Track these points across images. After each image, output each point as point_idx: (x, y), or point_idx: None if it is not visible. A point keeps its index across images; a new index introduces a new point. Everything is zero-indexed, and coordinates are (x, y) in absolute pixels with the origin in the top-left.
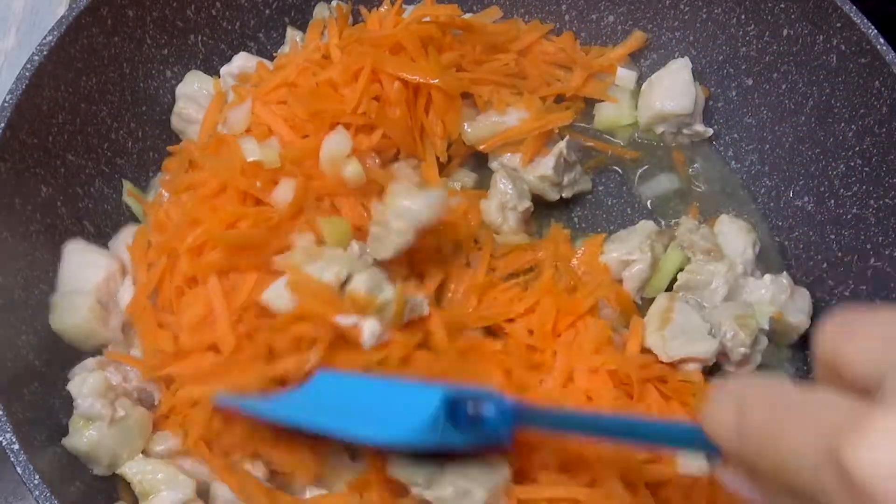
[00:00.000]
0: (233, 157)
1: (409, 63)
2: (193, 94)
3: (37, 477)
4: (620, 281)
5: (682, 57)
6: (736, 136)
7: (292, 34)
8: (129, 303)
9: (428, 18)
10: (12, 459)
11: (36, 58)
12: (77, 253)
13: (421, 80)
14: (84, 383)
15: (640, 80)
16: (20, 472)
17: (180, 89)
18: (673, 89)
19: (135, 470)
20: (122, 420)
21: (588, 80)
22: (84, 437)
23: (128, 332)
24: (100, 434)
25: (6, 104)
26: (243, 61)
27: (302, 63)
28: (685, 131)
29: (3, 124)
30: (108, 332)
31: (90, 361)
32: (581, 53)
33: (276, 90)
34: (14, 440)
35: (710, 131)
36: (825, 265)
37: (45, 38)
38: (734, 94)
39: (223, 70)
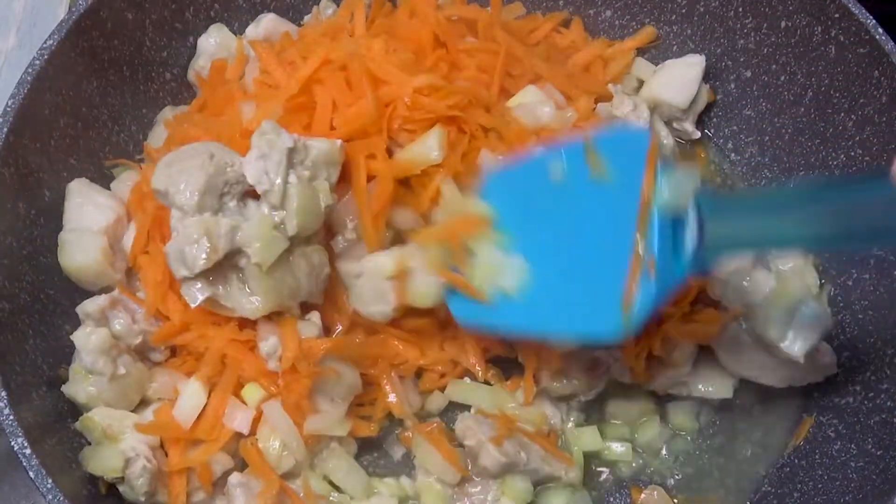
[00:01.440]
0: (232, 120)
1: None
2: (214, 52)
3: (49, 481)
4: None
5: (700, 54)
6: (735, 128)
7: (325, 4)
8: (132, 248)
9: (456, 17)
10: (24, 464)
11: (37, 62)
12: (81, 191)
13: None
14: (89, 338)
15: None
16: (32, 476)
17: (202, 42)
18: (677, 80)
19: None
20: (122, 377)
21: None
22: (84, 390)
23: (132, 276)
24: (99, 389)
25: (9, 109)
26: (272, 24)
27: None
28: (675, 125)
29: (6, 129)
30: (116, 275)
31: (102, 298)
32: (595, 44)
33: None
34: (25, 444)
35: (698, 134)
36: (827, 255)
37: (45, 42)
38: (733, 86)
39: (248, 31)
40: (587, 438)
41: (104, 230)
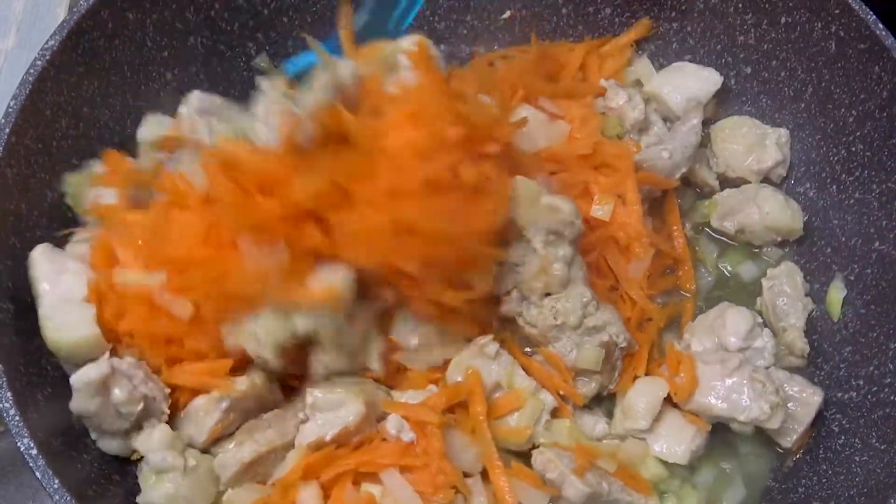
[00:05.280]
0: None
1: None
2: (153, 142)
3: (56, 482)
4: None
5: (719, 75)
6: None
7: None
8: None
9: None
10: (30, 464)
11: (38, 63)
12: (46, 259)
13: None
14: (150, 437)
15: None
16: (39, 477)
17: (141, 135)
18: (682, 88)
19: None
20: (194, 469)
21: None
22: (160, 491)
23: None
24: (175, 486)
25: (10, 110)
26: (200, 102)
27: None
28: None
29: (7, 130)
30: (108, 344)
31: (104, 365)
32: (585, 43)
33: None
34: (32, 445)
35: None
36: (829, 250)
37: (46, 42)
38: (733, 82)
39: (181, 110)
40: (652, 466)
41: (88, 297)
